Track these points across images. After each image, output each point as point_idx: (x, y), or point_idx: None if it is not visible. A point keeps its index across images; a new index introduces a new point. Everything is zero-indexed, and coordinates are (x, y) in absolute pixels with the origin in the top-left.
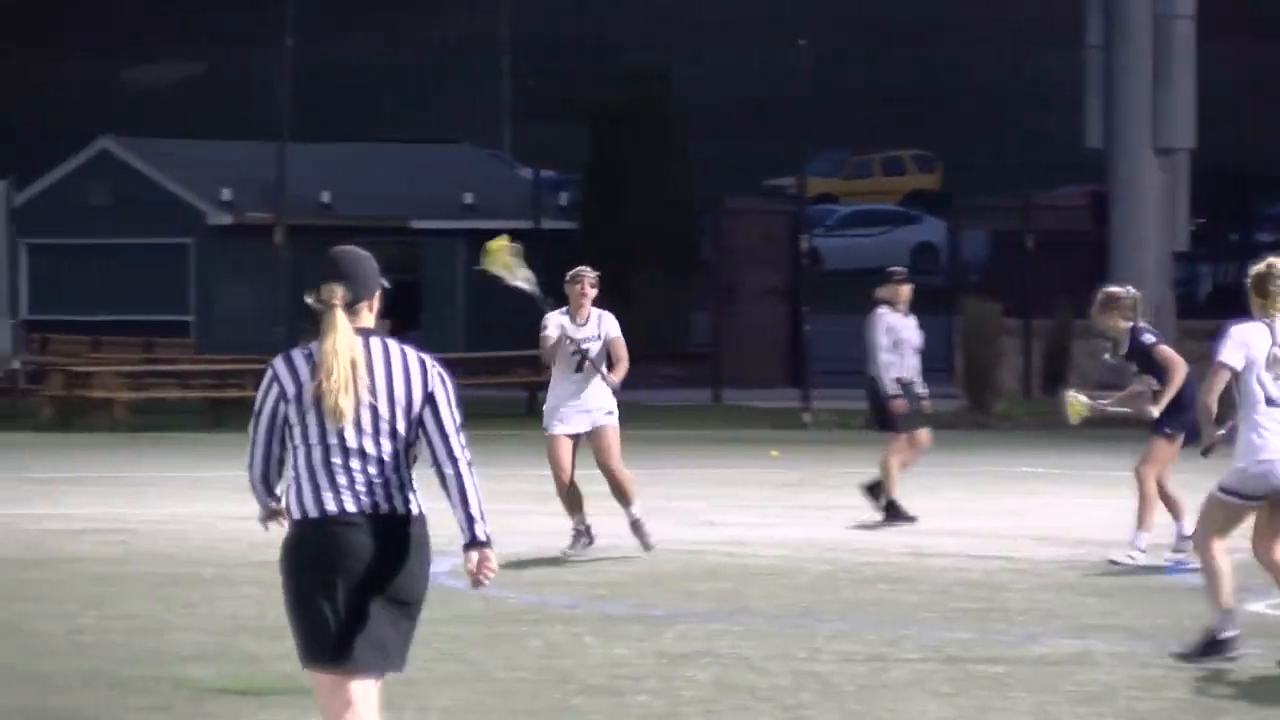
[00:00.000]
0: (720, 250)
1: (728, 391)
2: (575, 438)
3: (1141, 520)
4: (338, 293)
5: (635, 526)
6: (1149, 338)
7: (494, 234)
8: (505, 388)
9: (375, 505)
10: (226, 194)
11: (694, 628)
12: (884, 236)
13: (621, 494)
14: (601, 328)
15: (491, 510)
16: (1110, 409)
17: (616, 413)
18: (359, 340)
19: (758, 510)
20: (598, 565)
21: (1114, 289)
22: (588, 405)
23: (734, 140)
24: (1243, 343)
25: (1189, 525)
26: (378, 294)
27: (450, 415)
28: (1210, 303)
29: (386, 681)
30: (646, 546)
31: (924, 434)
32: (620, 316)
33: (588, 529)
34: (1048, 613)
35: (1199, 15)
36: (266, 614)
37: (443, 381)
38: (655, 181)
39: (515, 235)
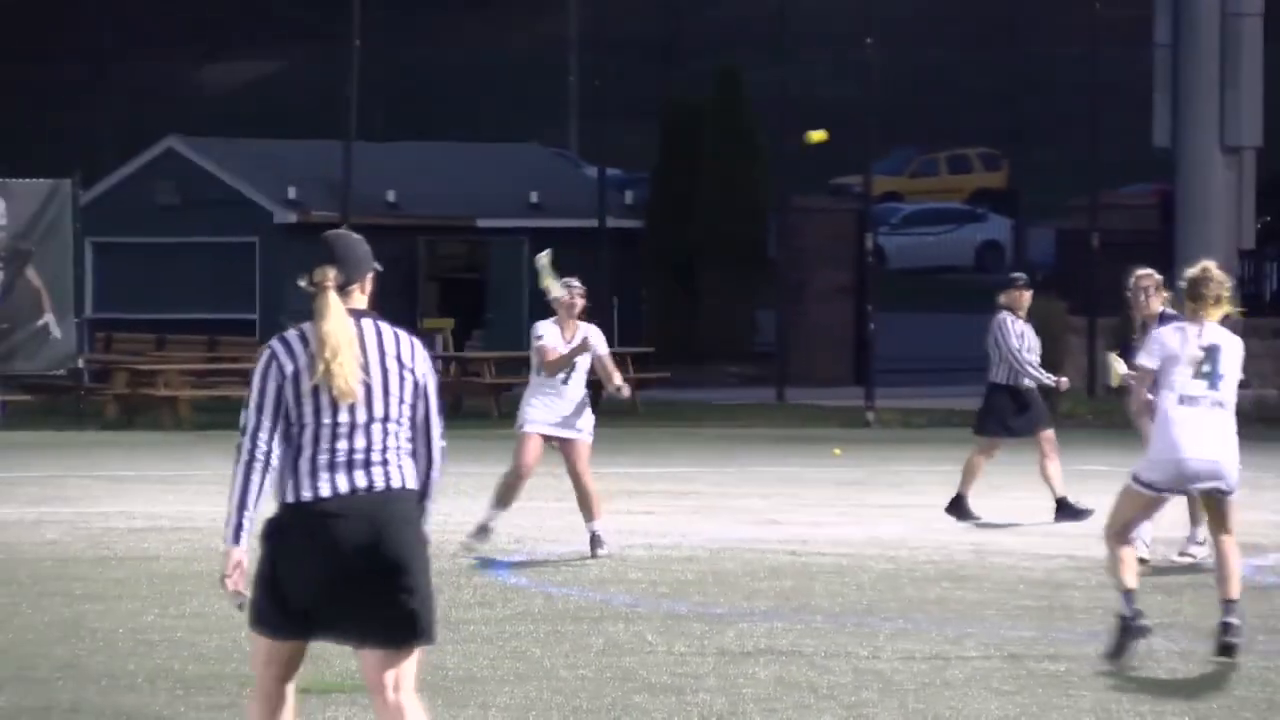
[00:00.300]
0: (786, 249)
1: (792, 390)
2: (547, 440)
3: (1195, 516)
4: (330, 275)
5: (594, 539)
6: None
7: (558, 232)
8: None
9: (357, 484)
10: (292, 193)
11: (755, 626)
12: (949, 235)
13: (588, 506)
14: (589, 343)
15: (557, 508)
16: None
17: (592, 428)
18: (351, 321)
19: (820, 509)
20: (660, 564)
21: (1153, 272)
22: (568, 414)
23: (799, 138)
24: (1160, 344)
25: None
26: (370, 276)
27: (438, 409)
28: (1276, 300)
29: (447, 678)
30: (595, 556)
31: (1051, 433)
32: (685, 315)
33: (491, 529)
34: (1111, 611)
35: (1268, 14)
36: None
37: (433, 371)
38: (726, 181)
39: (580, 234)
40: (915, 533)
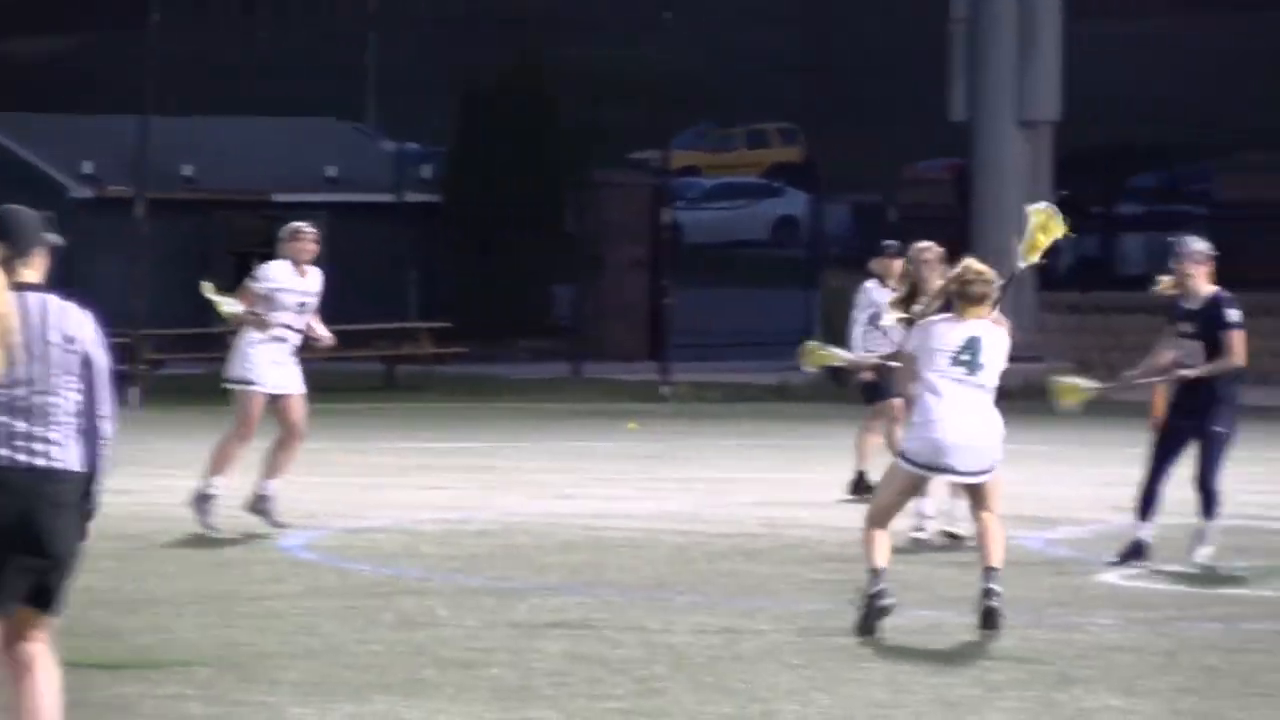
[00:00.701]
0: (584, 223)
1: (589, 365)
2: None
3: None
4: None
5: (268, 502)
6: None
7: (356, 206)
8: (363, 360)
9: (18, 459)
10: (88, 167)
11: (547, 600)
12: (746, 210)
13: (286, 464)
14: (319, 285)
15: (351, 483)
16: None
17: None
18: (14, 295)
19: (614, 483)
20: (453, 538)
21: (933, 245)
22: (291, 368)
23: (599, 113)
24: (924, 335)
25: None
26: (40, 250)
27: (109, 386)
28: (1071, 275)
29: (237, 654)
30: (279, 524)
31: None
32: (483, 289)
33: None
34: (902, 584)
35: None
36: (122, 588)
37: (103, 346)
38: (524, 155)
39: (378, 208)
40: (709, 507)
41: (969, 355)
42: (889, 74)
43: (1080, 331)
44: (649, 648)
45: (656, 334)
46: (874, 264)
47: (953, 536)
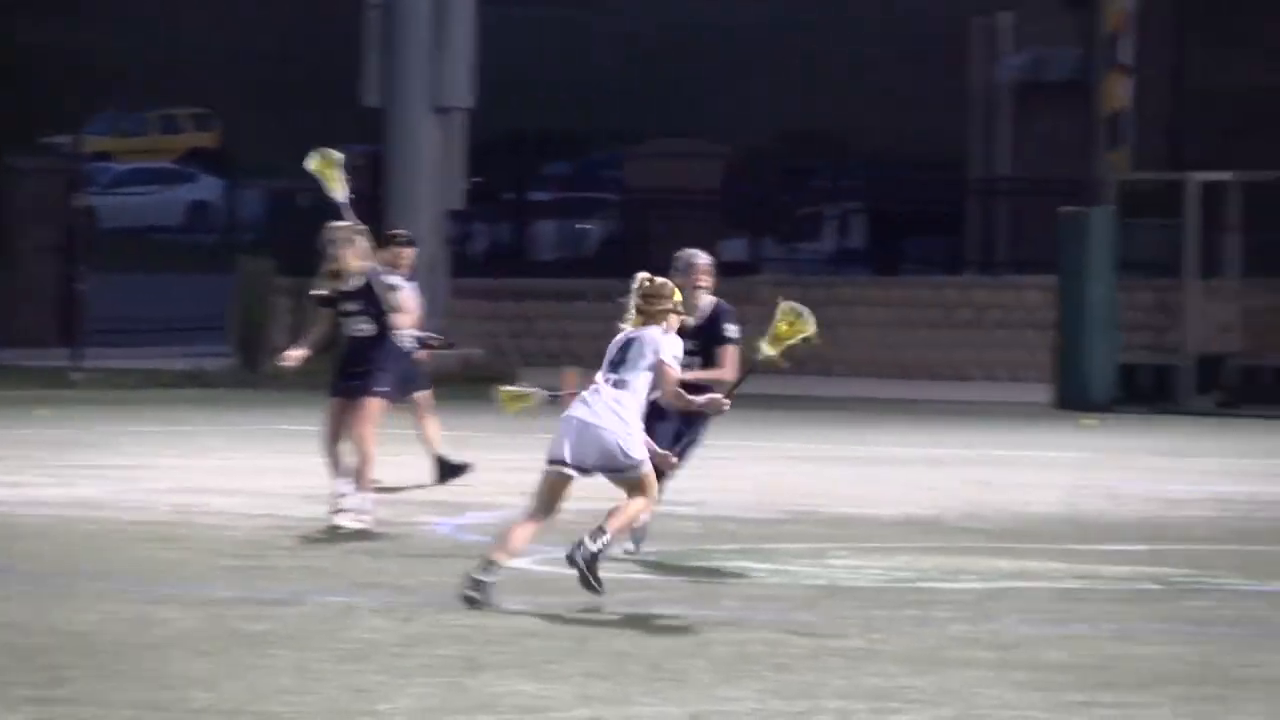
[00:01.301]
0: None
1: None
2: None
3: (362, 480)
4: None
5: None
6: (393, 279)
7: None
8: None
9: None
10: None
11: None
12: (159, 195)
13: None
14: None
15: None
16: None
17: None
18: None
19: (24, 470)
20: None
21: (342, 224)
22: None
23: (9, 95)
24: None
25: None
26: None
27: None
28: (485, 261)
29: None
30: None
31: (424, 395)
32: None
33: None
34: (316, 570)
35: None
36: None
37: None
38: None
39: None
40: (121, 493)
41: (621, 355)
42: (305, 59)
43: (493, 318)
44: (57, 635)
45: (69, 320)
46: (383, 254)
47: (339, 528)
